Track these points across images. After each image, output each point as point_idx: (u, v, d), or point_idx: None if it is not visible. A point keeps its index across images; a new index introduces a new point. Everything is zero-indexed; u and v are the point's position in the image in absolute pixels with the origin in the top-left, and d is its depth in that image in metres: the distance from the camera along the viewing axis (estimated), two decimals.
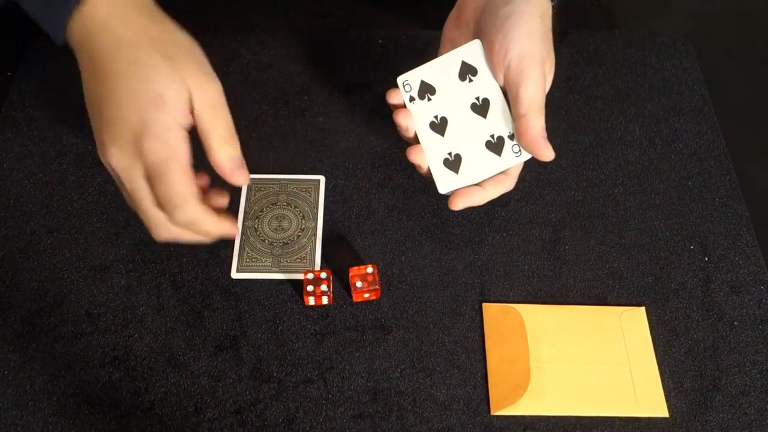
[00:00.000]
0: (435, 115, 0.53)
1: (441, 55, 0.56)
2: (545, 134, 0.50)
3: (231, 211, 0.56)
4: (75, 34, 0.48)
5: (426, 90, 0.53)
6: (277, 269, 0.58)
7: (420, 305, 0.57)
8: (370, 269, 0.56)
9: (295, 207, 0.62)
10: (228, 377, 0.53)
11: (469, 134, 0.52)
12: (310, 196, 0.62)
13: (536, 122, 0.49)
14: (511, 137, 0.51)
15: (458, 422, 0.52)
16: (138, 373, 0.53)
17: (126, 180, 0.47)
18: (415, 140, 0.54)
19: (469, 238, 0.61)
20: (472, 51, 0.52)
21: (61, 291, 0.57)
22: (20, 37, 0.71)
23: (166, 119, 0.45)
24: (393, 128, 0.66)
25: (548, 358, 0.54)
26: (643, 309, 0.57)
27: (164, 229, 0.49)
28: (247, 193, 0.62)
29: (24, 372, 0.53)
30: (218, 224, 0.49)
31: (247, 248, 0.59)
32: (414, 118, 0.53)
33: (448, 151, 0.52)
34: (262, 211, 0.61)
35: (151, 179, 0.46)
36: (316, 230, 0.60)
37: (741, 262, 0.60)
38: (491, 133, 0.52)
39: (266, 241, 0.60)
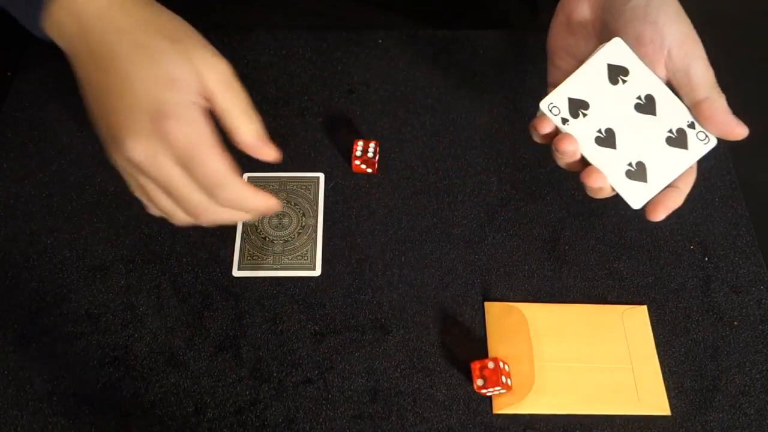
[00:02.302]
0: (598, 129, 0.48)
1: (553, 66, 0.52)
2: (731, 111, 0.47)
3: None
4: (66, 28, 0.46)
5: (577, 107, 0.48)
6: (278, 267, 0.58)
7: (420, 305, 0.57)
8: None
9: (295, 204, 0.62)
10: (228, 377, 0.53)
11: (644, 137, 0.48)
12: (309, 193, 0.62)
13: (721, 101, 0.46)
14: (691, 126, 0.47)
15: (458, 422, 0.52)
16: (138, 373, 0.53)
17: (155, 170, 0.44)
18: (581, 164, 0.48)
19: (469, 238, 0.61)
20: (616, 50, 0.48)
21: (61, 291, 0.57)
22: (20, 37, 0.70)
23: (183, 99, 0.44)
24: (393, 128, 0.66)
25: (551, 356, 0.54)
26: (644, 307, 0.57)
27: (210, 212, 0.46)
28: None
29: (24, 372, 0.53)
30: (262, 198, 0.47)
31: (247, 246, 0.59)
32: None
33: (628, 162, 0.48)
34: None
35: (185, 163, 0.44)
36: (316, 227, 0.60)
37: (741, 262, 0.60)
38: (668, 128, 0.48)
39: (267, 239, 0.60)
